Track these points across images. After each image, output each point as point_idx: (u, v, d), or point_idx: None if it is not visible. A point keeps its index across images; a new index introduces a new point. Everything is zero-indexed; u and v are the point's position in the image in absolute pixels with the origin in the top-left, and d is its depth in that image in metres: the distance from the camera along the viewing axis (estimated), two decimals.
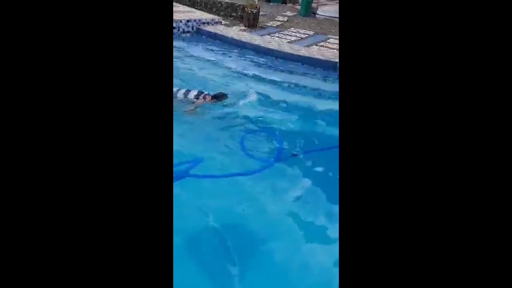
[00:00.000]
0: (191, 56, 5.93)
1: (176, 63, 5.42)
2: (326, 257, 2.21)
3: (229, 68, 5.50)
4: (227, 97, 4.01)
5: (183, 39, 6.79)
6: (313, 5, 10.13)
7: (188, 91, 3.93)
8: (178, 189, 2.64)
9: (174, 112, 3.61)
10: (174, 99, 3.83)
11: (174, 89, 3.93)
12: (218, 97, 3.96)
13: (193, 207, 2.58)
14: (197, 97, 3.89)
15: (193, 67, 5.40)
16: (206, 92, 3.96)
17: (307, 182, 2.94)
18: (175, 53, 5.77)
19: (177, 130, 3.36)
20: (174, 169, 2.80)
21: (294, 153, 3.22)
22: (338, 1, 11.02)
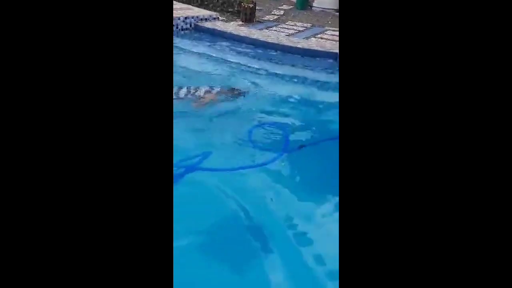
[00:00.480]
0: (191, 52, 5.93)
1: (177, 60, 5.42)
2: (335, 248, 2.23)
3: (230, 63, 5.51)
4: (238, 92, 4.03)
5: (182, 36, 6.78)
6: None
7: (197, 89, 3.96)
8: (186, 183, 2.68)
9: (183, 109, 3.63)
10: (183, 99, 3.87)
11: (183, 89, 3.96)
12: (229, 91, 3.98)
13: (202, 200, 2.61)
14: (207, 92, 3.92)
15: (195, 64, 5.41)
16: (216, 88, 3.98)
17: (316, 173, 2.97)
18: (175, 51, 5.78)
19: (185, 125, 3.40)
20: (184, 163, 2.83)
21: (302, 144, 3.25)
22: None
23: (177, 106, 3.74)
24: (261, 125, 3.63)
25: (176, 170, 2.77)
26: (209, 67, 5.31)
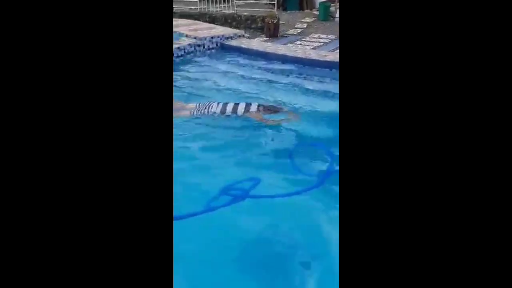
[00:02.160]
0: (219, 71, 5.96)
1: (205, 79, 5.46)
2: None
3: (260, 80, 5.48)
4: (277, 109, 3.97)
5: (209, 56, 6.84)
6: (331, 8, 10.05)
7: (236, 105, 3.91)
8: (232, 211, 2.63)
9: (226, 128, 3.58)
10: (223, 115, 3.86)
11: (220, 104, 3.92)
12: (272, 109, 3.93)
13: (249, 228, 2.54)
14: (247, 109, 3.86)
15: (224, 82, 5.41)
16: (254, 105, 3.92)
17: None
18: (202, 70, 5.83)
19: (218, 146, 3.37)
20: (233, 190, 2.77)
21: None
22: None
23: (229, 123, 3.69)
24: (300, 145, 3.56)
25: (223, 197, 2.72)
26: (239, 85, 5.29)
